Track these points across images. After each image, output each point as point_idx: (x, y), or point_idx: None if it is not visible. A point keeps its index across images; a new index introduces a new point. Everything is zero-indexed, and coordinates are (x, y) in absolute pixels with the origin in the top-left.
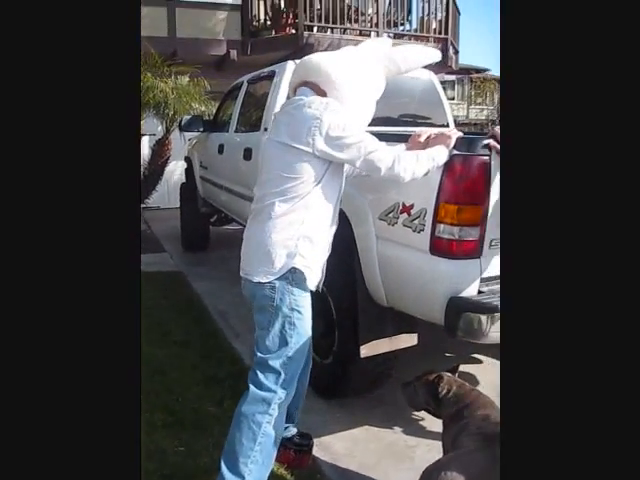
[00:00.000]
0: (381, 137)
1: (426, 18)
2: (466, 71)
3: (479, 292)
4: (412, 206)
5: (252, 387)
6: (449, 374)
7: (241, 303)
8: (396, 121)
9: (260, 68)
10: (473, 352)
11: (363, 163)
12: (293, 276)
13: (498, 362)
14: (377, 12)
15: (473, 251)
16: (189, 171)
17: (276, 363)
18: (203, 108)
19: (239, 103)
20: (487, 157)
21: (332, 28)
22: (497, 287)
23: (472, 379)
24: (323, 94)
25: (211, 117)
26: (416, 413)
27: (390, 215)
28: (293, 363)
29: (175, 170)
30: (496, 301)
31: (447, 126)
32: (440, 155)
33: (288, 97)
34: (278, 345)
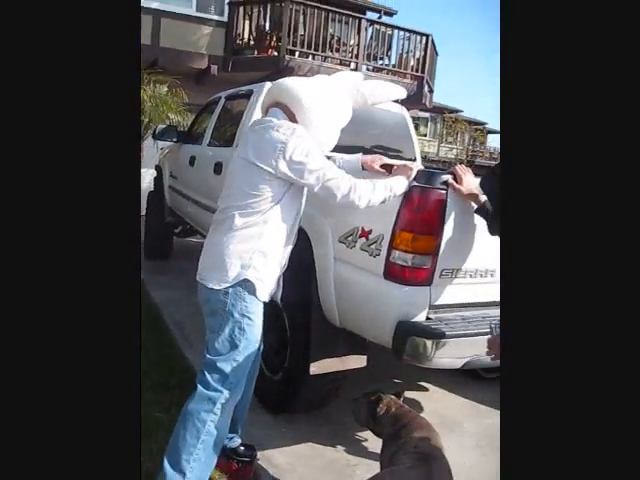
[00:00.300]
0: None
1: (405, 55)
2: (440, 110)
3: (427, 318)
4: (371, 231)
5: (199, 387)
6: (392, 396)
7: (198, 314)
8: (367, 151)
9: (239, 86)
10: (420, 380)
11: (321, 189)
12: (245, 285)
13: (443, 390)
14: (358, 44)
15: (424, 279)
16: (158, 180)
17: (224, 365)
18: (179, 119)
19: (215, 117)
20: (444, 192)
21: (313, 54)
22: (445, 315)
23: (416, 405)
24: (292, 117)
25: (186, 128)
26: (359, 434)
27: (349, 238)
28: (240, 367)
29: (144, 178)
30: (443, 328)
31: (414, 160)
32: (398, 185)
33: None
34: (228, 348)
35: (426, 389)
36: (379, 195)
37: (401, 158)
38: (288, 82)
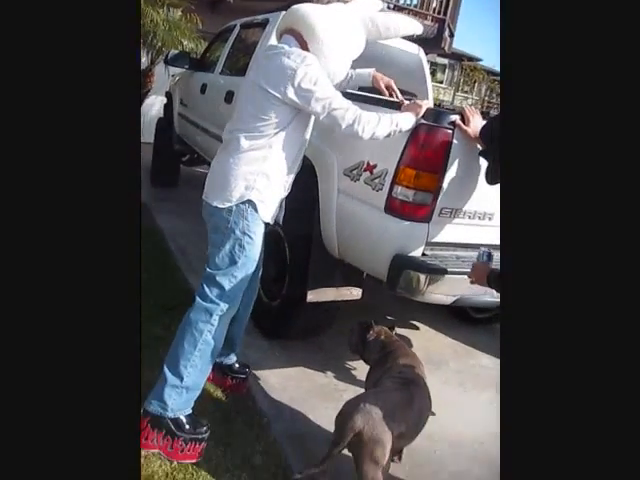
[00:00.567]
0: (366, 100)
1: None
2: (458, 57)
3: (423, 254)
4: (375, 166)
5: (197, 298)
6: (383, 327)
7: (201, 242)
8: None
9: (255, 14)
10: (412, 318)
11: (326, 117)
12: (248, 205)
13: (433, 330)
14: None
15: (424, 215)
16: (168, 107)
17: (222, 279)
18: (192, 45)
19: (228, 46)
20: (451, 131)
21: None
22: (441, 253)
23: (407, 341)
24: (305, 45)
25: (199, 56)
26: (350, 363)
27: (354, 172)
28: (238, 282)
29: (154, 104)
30: (437, 264)
31: None
32: (406, 121)
33: None
34: (227, 264)
35: (417, 328)
36: (384, 128)
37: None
38: (303, 9)
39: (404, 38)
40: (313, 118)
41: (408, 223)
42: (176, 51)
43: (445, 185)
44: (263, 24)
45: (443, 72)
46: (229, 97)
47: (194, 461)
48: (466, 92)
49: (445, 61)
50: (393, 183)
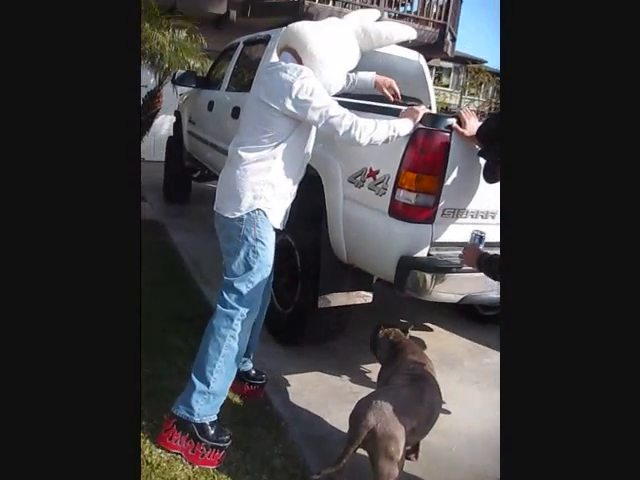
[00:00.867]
0: (370, 109)
1: (427, 2)
2: (463, 60)
3: (428, 255)
4: (378, 171)
5: (219, 306)
6: (395, 328)
7: (214, 255)
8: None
9: (258, 31)
10: (425, 320)
11: (324, 126)
12: (257, 213)
13: (446, 331)
14: None
15: (427, 217)
16: (177, 125)
17: (240, 285)
18: (198, 65)
19: (233, 63)
20: (448, 134)
21: (334, 0)
22: (446, 252)
23: (421, 343)
24: (300, 60)
25: (205, 74)
26: (364, 366)
27: (358, 178)
28: (255, 287)
29: (164, 124)
30: (442, 263)
31: (430, 108)
32: (403, 127)
33: None
34: (243, 270)
35: (430, 329)
36: (381, 134)
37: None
38: (297, 27)
39: (401, 44)
40: (314, 129)
41: (412, 225)
42: (183, 71)
43: (446, 186)
44: (265, 40)
45: (448, 76)
46: (235, 113)
47: (213, 467)
48: (473, 94)
49: (450, 65)
50: (395, 187)
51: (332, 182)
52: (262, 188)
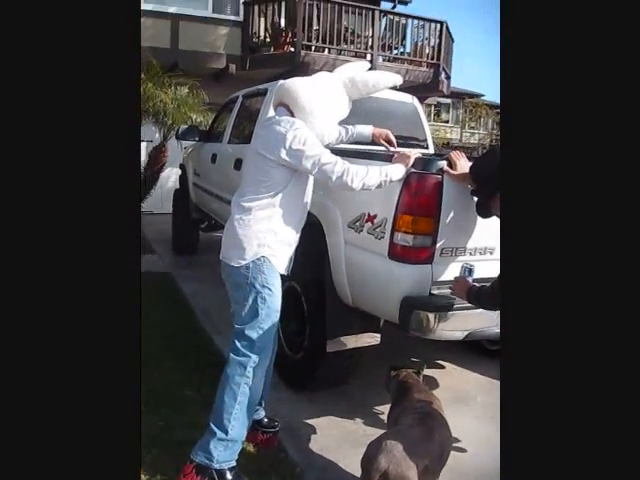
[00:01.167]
0: (368, 156)
1: (420, 44)
2: (460, 95)
3: (430, 294)
4: (375, 216)
5: (231, 354)
6: (407, 370)
7: (224, 304)
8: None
9: (257, 83)
10: (436, 358)
11: (317, 173)
12: (263, 261)
13: (458, 367)
14: (373, 35)
15: (426, 257)
16: (183, 178)
17: (250, 332)
18: (200, 119)
19: (234, 116)
20: (440, 177)
21: (329, 48)
22: (447, 290)
23: (433, 381)
24: (292, 114)
25: (207, 128)
26: (377, 408)
27: (357, 223)
28: (264, 333)
29: (170, 177)
30: (444, 302)
31: (427, 147)
32: (395, 172)
33: None
34: (251, 317)
35: (442, 367)
36: (373, 179)
37: (414, 145)
38: (287, 84)
39: (392, 89)
40: (312, 178)
41: (412, 266)
42: (185, 126)
43: (443, 226)
44: (263, 93)
45: (447, 112)
46: (238, 164)
47: None
48: (473, 128)
49: (448, 100)
50: (393, 230)
51: (333, 228)
52: (265, 236)
